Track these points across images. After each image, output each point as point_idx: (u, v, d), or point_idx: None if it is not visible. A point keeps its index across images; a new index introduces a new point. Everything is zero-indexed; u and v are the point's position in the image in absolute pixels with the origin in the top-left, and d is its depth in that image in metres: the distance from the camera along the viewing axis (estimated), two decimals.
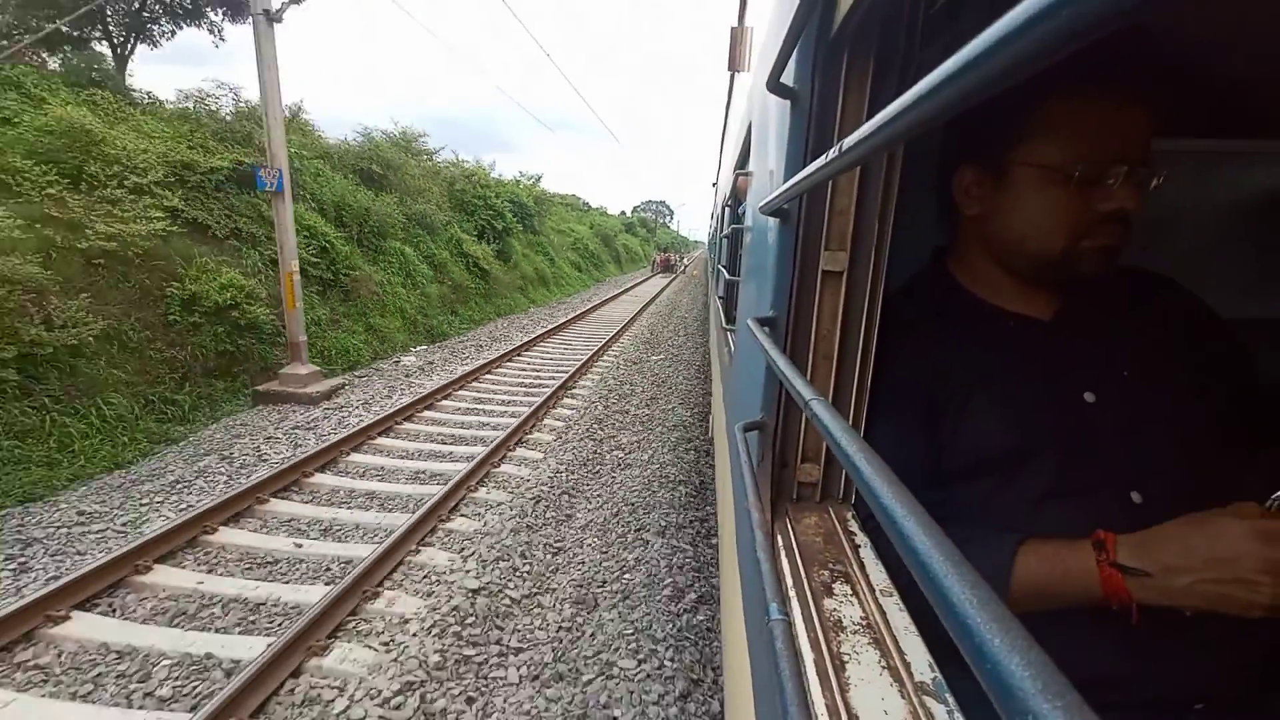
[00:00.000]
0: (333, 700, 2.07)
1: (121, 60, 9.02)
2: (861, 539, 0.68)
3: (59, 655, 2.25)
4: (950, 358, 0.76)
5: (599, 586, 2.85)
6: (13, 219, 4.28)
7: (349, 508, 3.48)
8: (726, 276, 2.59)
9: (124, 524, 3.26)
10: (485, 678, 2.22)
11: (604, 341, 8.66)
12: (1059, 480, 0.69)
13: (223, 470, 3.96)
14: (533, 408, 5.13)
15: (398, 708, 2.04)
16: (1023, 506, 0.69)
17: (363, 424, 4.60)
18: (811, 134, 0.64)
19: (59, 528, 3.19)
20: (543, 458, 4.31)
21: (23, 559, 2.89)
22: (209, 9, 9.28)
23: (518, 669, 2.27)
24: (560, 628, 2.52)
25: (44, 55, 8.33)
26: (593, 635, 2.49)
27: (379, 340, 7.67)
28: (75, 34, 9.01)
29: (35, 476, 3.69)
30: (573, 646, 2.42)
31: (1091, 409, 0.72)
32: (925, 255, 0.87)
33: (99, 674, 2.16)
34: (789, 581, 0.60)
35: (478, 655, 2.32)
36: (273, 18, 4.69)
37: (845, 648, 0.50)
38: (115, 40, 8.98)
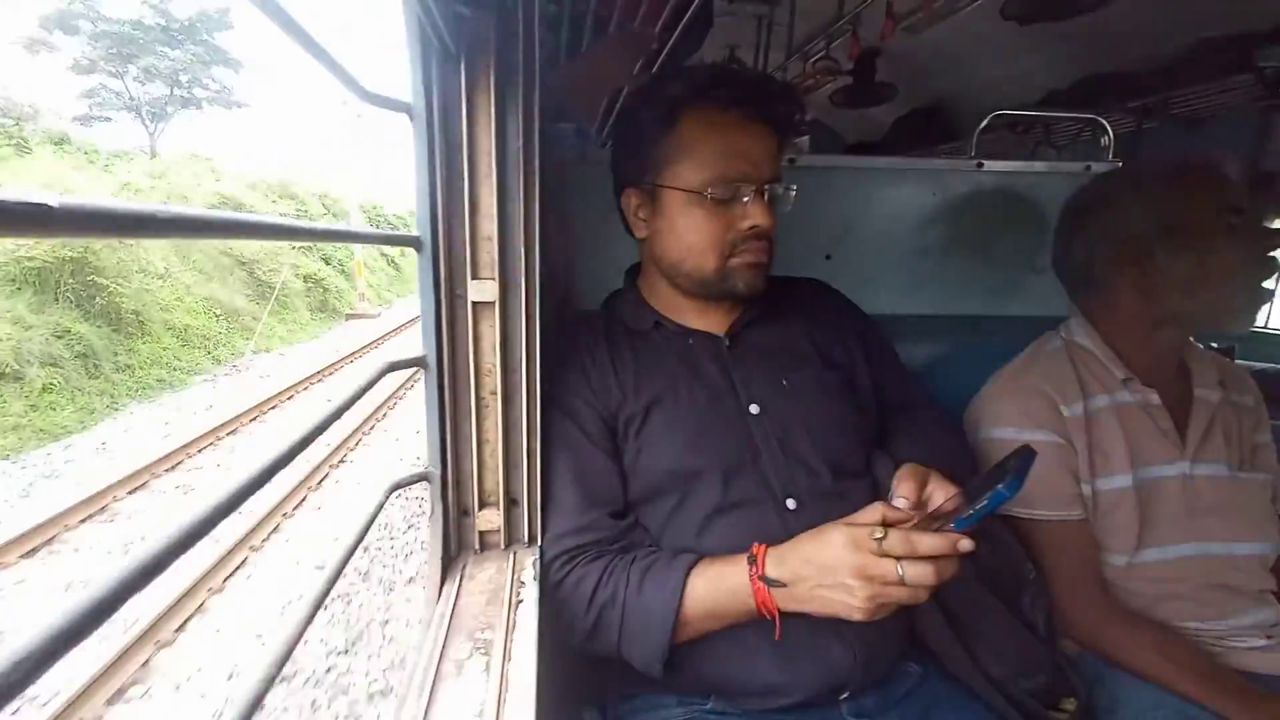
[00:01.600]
0: None
1: (151, 138, 13.90)
2: (530, 590, 0.64)
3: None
4: (634, 379, 0.76)
5: None
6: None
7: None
8: None
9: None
10: None
11: None
12: (725, 494, 0.71)
13: (368, 332, 10.71)
14: None
15: None
16: (696, 524, 0.71)
17: (407, 320, 11.44)
18: (437, 153, 0.60)
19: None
20: None
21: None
22: (206, 104, 14.54)
23: None
24: None
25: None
26: None
27: (367, 301, 14.09)
28: (106, 118, 13.77)
29: (298, 335, 10.16)
30: None
31: (755, 421, 0.75)
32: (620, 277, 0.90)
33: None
34: (423, 663, 0.55)
35: None
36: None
37: None
38: (146, 123, 13.84)
